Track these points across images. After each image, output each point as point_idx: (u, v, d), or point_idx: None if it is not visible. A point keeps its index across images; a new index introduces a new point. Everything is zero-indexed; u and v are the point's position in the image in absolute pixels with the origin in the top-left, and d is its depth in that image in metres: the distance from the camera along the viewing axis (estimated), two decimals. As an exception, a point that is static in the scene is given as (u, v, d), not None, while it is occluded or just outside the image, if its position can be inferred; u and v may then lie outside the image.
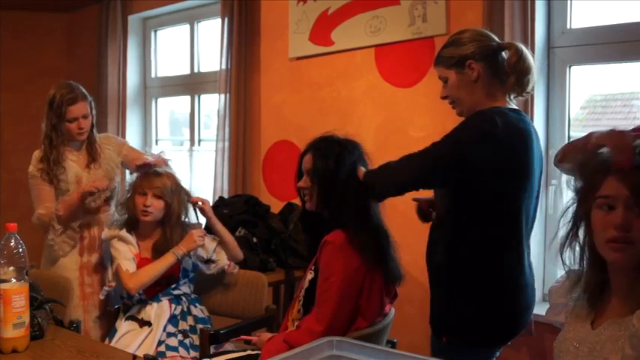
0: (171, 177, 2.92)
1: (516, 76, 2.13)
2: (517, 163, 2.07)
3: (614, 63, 2.97)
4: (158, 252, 2.84)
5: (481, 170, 2.02)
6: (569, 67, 3.00)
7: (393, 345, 2.53)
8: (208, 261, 2.91)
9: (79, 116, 3.06)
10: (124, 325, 2.79)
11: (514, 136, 2.06)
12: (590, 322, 1.50)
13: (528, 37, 2.88)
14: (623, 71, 3.05)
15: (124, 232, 2.86)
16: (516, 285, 2.13)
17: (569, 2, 2.99)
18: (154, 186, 2.84)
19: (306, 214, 2.36)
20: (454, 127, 2.11)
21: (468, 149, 2.02)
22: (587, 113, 3.25)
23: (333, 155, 2.23)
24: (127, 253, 2.81)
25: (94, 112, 3.16)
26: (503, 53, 2.15)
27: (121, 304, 2.91)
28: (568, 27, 3.00)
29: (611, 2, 2.94)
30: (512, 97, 2.19)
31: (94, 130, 3.20)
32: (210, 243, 2.91)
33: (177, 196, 2.89)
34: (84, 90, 3.13)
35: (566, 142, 2.98)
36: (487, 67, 2.12)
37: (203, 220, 3.02)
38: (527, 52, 2.15)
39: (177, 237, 2.85)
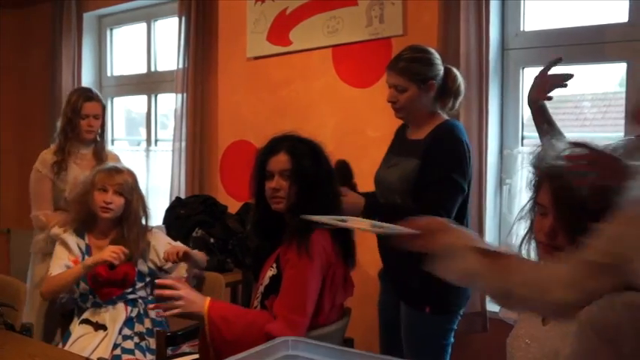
0: (132, 174, 2.89)
1: (453, 96, 2.52)
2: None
3: (565, 65, 3.03)
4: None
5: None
6: (523, 68, 3.06)
7: (350, 344, 2.54)
8: (161, 269, 2.86)
9: (90, 114, 3.36)
10: (78, 329, 2.73)
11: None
12: (541, 318, 1.53)
13: (483, 39, 2.93)
14: (574, 74, 3.11)
15: (67, 236, 2.81)
16: None
17: (522, 5, 3.05)
18: (115, 182, 2.79)
19: (266, 217, 2.31)
20: (437, 156, 2.39)
21: (467, 174, 2.40)
22: (539, 114, 3.31)
23: (310, 155, 2.22)
24: (62, 258, 2.76)
25: (105, 119, 3.51)
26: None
27: (75, 307, 2.86)
28: (521, 29, 3.06)
29: (563, 6, 3.00)
30: (444, 110, 2.54)
31: (104, 139, 3.53)
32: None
33: (136, 193, 2.86)
34: (101, 96, 3.48)
35: (520, 142, 3.05)
36: (439, 87, 2.48)
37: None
38: (460, 77, 2.54)
39: (135, 236, 2.81)
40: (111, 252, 2.63)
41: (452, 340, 2.53)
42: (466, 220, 2.48)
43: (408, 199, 2.42)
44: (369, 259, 2.53)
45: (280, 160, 2.21)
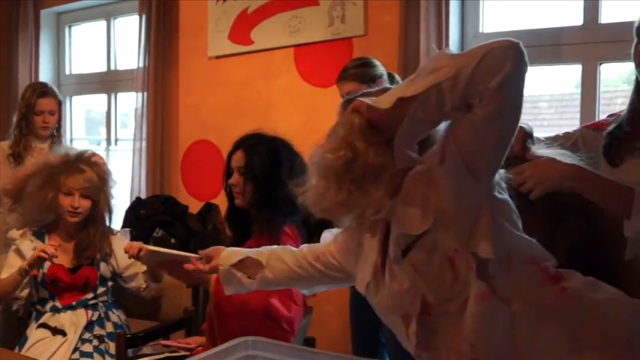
0: (97, 168, 2.79)
1: None
2: None
3: (524, 66, 3.09)
4: (82, 253, 2.73)
5: None
6: (482, 69, 3.09)
7: (311, 343, 2.54)
8: (120, 276, 2.82)
9: (45, 110, 3.30)
10: (35, 333, 2.66)
11: None
12: None
13: (443, 40, 2.96)
14: (532, 75, 3.17)
15: (23, 242, 2.74)
16: None
17: (481, 7, 3.09)
18: (81, 186, 2.70)
19: (234, 211, 2.35)
20: None
21: None
22: (500, 114, 3.36)
23: (266, 152, 2.24)
24: (13, 267, 2.67)
25: (62, 115, 3.43)
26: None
27: (33, 311, 2.79)
28: (480, 31, 3.10)
29: (521, 8, 3.06)
30: None
31: (61, 134, 3.44)
32: (124, 261, 2.73)
33: (102, 191, 2.78)
34: (57, 92, 3.41)
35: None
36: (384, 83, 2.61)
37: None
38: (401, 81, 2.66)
39: (100, 236, 2.75)
40: (40, 250, 2.54)
41: None
42: None
43: None
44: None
45: (237, 157, 2.27)
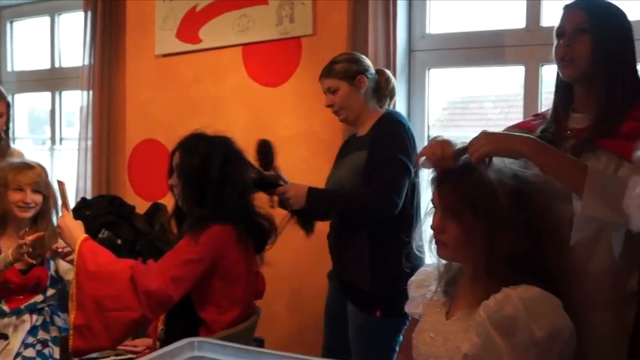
0: (43, 168, 2.79)
1: (390, 97, 2.64)
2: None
3: (469, 67, 3.15)
4: (33, 252, 2.65)
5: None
6: (429, 70, 3.15)
7: (260, 343, 2.54)
8: (62, 278, 2.76)
9: None
10: (-26, 338, 2.60)
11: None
12: (445, 312, 1.58)
13: (390, 41, 2.99)
14: (478, 75, 3.24)
15: None
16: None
17: (427, 8, 3.14)
18: (32, 181, 2.66)
19: (179, 211, 2.35)
20: (380, 141, 2.44)
21: (411, 155, 2.43)
22: (447, 114, 3.42)
23: (199, 153, 2.22)
24: None
25: (9, 117, 3.25)
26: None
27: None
28: (427, 32, 3.15)
29: (466, 11, 3.12)
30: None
31: (9, 137, 3.31)
32: (65, 264, 2.63)
33: (51, 188, 2.75)
34: (4, 93, 3.26)
35: (426, 142, 3.13)
36: (371, 84, 2.56)
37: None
38: (393, 78, 2.67)
39: (50, 233, 2.69)
40: (15, 251, 2.48)
41: (400, 338, 2.50)
42: (417, 208, 2.41)
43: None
44: (279, 257, 2.53)
45: (175, 157, 2.28)
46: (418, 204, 2.38)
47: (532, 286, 1.41)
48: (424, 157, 1.56)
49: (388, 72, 2.67)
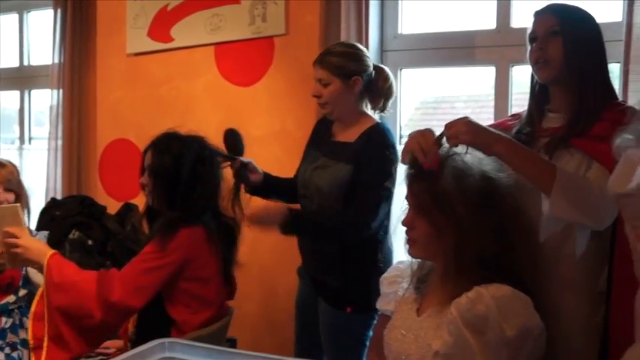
0: (15, 166, 2.79)
1: (384, 97, 2.48)
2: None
3: (440, 67, 3.18)
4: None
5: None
6: (400, 70, 3.16)
7: (233, 343, 2.53)
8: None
9: None
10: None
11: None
12: (416, 308, 1.59)
13: (363, 41, 3.00)
14: (450, 76, 3.27)
15: None
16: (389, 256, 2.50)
17: (400, 9, 3.16)
18: (4, 179, 2.65)
19: (151, 210, 2.35)
20: (368, 164, 2.34)
21: (395, 179, 2.35)
22: (420, 114, 3.45)
23: (171, 153, 2.22)
24: None
25: None
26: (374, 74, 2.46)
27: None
28: (399, 32, 3.17)
29: (438, 11, 3.14)
30: (375, 112, 2.51)
31: None
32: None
33: (22, 187, 2.74)
34: None
35: (398, 141, 3.15)
36: (365, 84, 2.41)
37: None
38: (392, 77, 2.49)
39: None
40: None
41: (370, 333, 2.50)
42: (388, 221, 2.46)
43: (338, 203, 2.37)
44: (249, 258, 2.53)
45: (148, 157, 2.27)
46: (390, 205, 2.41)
47: (503, 285, 1.43)
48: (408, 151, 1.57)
49: (387, 70, 2.50)
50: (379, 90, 2.46)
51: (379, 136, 2.38)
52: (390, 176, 2.33)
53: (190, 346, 1.42)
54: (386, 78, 2.47)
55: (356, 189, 2.33)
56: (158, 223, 2.20)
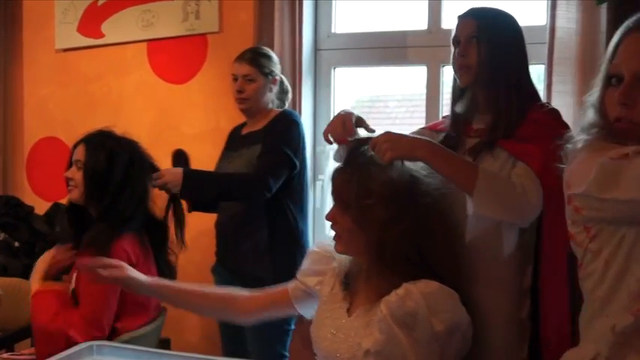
0: None
1: (286, 95, 2.81)
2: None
3: (373, 67, 3.22)
4: None
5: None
6: (334, 68, 3.19)
7: (166, 343, 2.50)
8: None
9: None
10: None
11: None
12: (346, 308, 1.59)
13: (296, 39, 3.02)
14: (384, 75, 3.32)
15: None
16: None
17: (333, 8, 3.18)
18: None
19: (73, 206, 2.31)
20: (271, 134, 2.58)
21: (298, 150, 2.59)
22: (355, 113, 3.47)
23: (105, 150, 2.20)
24: None
25: None
26: None
27: None
28: (333, 31, 3.19)
29: (371, 11, 3.18)
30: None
31: None
32: None
33: None
34: None
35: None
36: (280, 84, 2.73)
37: None
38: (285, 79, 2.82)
39: None
40: None
41: (293, 326, 2.63)
42: (305, 206, 2.68)
43: None
44: (184, 258, 2.50)
45: (79, 151, 2.24)
46: (307, 193, 2.69)
47: (431, 281, 1.45)
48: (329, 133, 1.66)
49: (285, 81, 2.82)
50: (285, 89, 2.78)
51: (285, 116, 2.66)
52: (292, 146, 2.55)
53: (119, 349, 1.40)
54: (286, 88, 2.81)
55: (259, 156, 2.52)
56: (88, 239, 2.15)
